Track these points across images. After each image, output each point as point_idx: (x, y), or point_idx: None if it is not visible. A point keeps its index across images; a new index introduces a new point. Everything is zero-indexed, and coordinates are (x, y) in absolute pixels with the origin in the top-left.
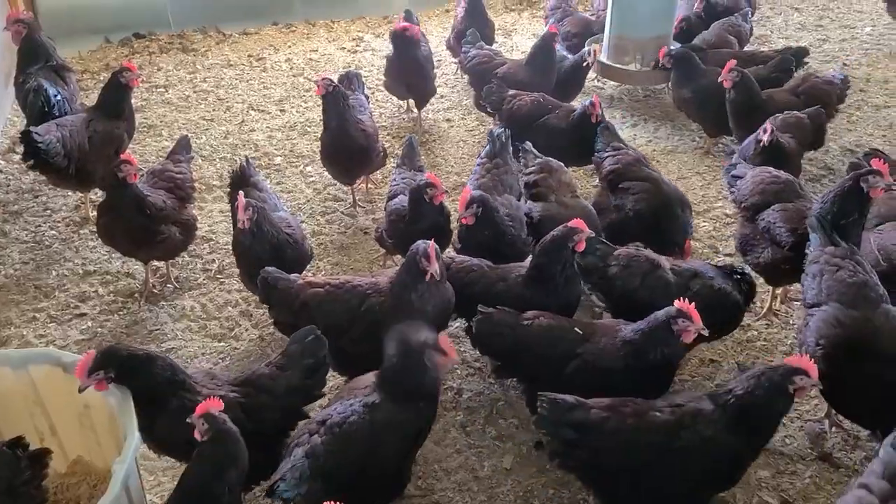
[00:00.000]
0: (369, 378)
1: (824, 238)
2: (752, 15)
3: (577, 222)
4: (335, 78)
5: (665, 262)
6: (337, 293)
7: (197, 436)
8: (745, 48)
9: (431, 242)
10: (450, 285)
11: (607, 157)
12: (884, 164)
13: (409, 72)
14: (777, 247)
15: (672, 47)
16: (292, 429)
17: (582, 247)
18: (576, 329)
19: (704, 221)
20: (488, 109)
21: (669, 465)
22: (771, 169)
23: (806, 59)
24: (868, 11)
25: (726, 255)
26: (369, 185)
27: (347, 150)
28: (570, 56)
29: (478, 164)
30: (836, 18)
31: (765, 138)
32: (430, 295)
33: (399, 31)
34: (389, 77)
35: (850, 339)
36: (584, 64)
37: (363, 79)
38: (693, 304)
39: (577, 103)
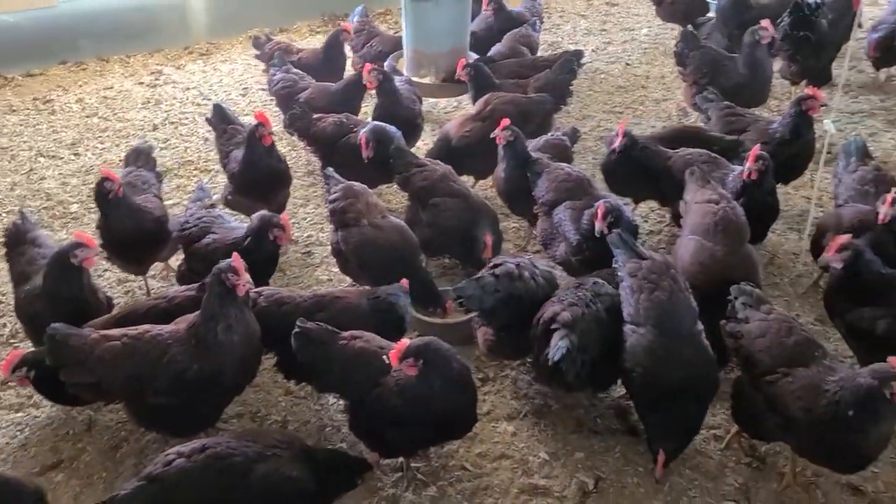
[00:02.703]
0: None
1: (630, 253)
2: (541, 24)
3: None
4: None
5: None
6: (136, 345)
7: None
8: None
9: (235, 254)
10: (254, 316)
11: (414, 173)
12: None
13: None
14: (567, 242)
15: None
16: None
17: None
18: (384, 357)
19: (514, 222)
20: (295, 135)
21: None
22: (564, 165)
23: (583, 61)
24: (644, 14)
25: (535, 251)
26: (169, 273)
27: (133, 238)
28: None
29: None
30: (617, 22)
31: (500, 137)
32: (237, 323)
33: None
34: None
35: (661, 369)
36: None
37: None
38: None
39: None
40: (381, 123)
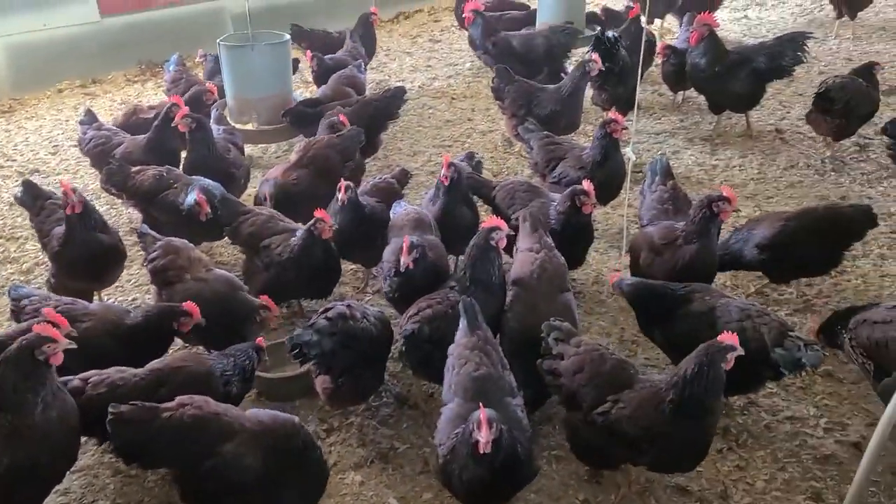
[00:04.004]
0: None
1: (468, 324)
2: (366, 66)
3: None
4: None
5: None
6: None
7: None
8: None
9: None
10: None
11: (241, 222)
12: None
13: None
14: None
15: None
16: None
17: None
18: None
19: (352, 264)
20: (113, 191)
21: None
22: (410, 208)
23: (406, 97)
24: (466, 49)
25: (375, 292)
26: None
27: None
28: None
29: None
30: (441, 58)
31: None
32: (53, 403)
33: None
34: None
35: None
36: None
37: None
38: None
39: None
40: (203, 180)
